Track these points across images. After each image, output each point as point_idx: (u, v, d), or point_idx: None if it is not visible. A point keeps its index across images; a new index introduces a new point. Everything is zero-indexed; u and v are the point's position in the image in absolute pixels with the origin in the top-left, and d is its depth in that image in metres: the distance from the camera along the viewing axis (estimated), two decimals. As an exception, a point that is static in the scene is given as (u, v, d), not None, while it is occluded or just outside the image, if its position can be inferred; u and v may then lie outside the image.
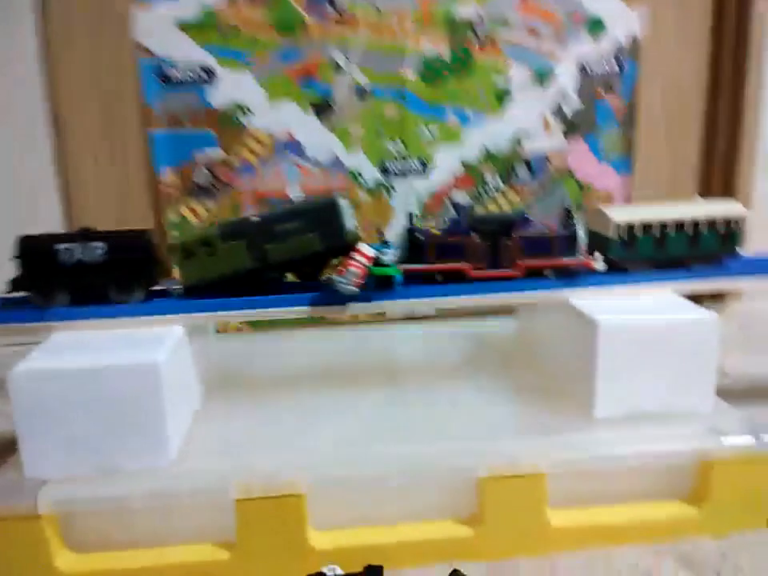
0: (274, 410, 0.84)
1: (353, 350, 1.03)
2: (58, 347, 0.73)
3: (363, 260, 0.77)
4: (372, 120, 1.42)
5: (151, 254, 0.80)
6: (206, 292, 0.79)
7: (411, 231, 0.82)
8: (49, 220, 1.35)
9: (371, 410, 0.83)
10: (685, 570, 0.66)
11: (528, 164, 1.49)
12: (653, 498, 0.72)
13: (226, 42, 1.36)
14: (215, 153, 1.40)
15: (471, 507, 0.71)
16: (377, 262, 0.77)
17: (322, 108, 1.41)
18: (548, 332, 0.91)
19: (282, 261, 0.78)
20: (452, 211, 1.48)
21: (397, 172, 1.45)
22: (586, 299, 0.80)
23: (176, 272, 0.81)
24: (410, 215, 0.84)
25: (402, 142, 1.44)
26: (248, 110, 1.39)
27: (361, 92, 1.41)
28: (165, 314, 0.78)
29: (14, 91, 1.32)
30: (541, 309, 0.88)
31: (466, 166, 1.47)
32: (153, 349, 0.71)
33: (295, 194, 1.43)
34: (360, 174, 1.45)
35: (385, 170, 1.45)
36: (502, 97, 1.44)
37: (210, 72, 1.37)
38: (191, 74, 1.36)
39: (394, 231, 1.47)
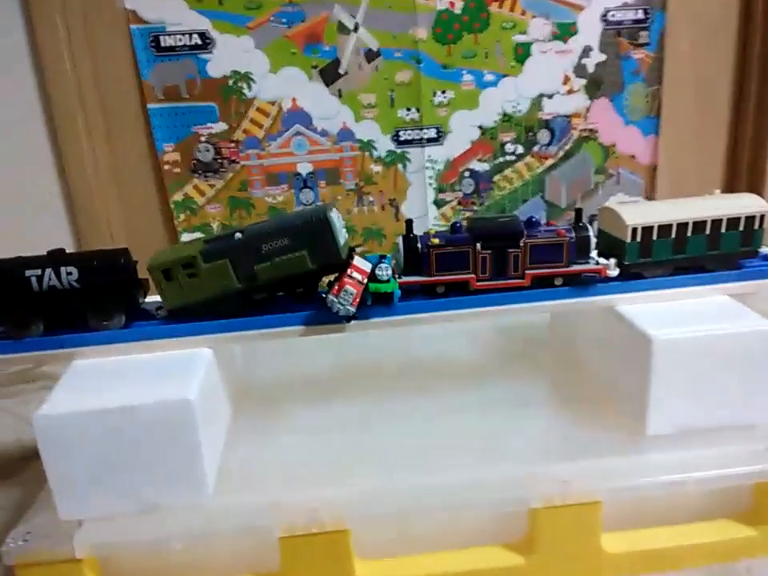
0: (305, 427, 0.81)
1: (376, 350, 0.98)
2: (80, 381, 0.69)
3: (359, 276, 0.71)
4: (383, 85, 1.33)
5: (128, 276, 0.74)
6: (191, 314, 0.74)
7: (409, 240, 0.75)
8: (50, 210, 1.28)
9: (406, 425, 0.79)
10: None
11: (549, 127, 1.41)
12: (708, 518, 0.70)
13: (222, 4, 1.25)
14: (217, 127, 1.32)
15: (521, 533, 0.69)
16: (373, 277, 0.72)
17: (329, 74, 1.32)
18: (591, 339, 0.86)
19: (271, 281, 0.72)
20: (470, 181, 1.42)
21: (411, 141, 1.37)
22: (633, 306, 0.76)
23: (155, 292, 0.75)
24: (409, 222, 0.77)
25: (416, 108, 1.35)
26: (250, 78, 1.30)
27: (370, 55, 1.32)
28: (186, 336, 0.74)
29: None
30: (581, 313, 0.84)
31: (483, 131, 1.39)
32: (183, 381, 0.66)
33: (304, 168, 1.36)
34: (372, 145, 1.37)
35: (398, 140, 1.37)
36: (520, 55, 1.35)
37: (206, 39, 1.27)
38: (186, 42, 1.26)
39: (410, 205, 1.41)
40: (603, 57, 1.37)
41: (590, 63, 1.37)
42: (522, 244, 0.74)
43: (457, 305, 0.76)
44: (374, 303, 0.74)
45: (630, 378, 0.73)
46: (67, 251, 0.75)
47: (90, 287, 0.72)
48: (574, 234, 0.76)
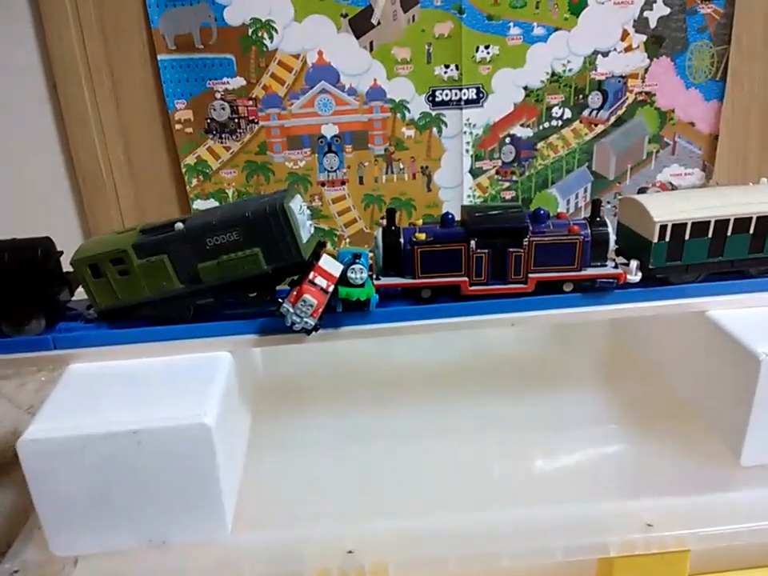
0: (333, 449, 0.70)
1: (396, 346, 0.87)
2: (76, 392, 0.58)
3: (323, 283, 0.59)
4: (420, 38, 1.18)
5: (48, 271, 0.62)
6: (126, 316, 0.63)
7: (390, 234, 0.64)
8: (51, 173, 1.17)
9: (442, 445, 0.68)
10: None
11: (602, 89, 1.26)
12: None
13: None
14: (234, 82, 1.18)
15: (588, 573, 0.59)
16: (345, 279, 0.60)
17: (360, 24, 1.17)
18: (668, 346, 0.75)
19: (217, 283, 0.61)
20: (511, 148, 1.28)
21: (448, 102, 1.23)
22: (729, 312, 0.64)
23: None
24: (390, 212, 0.65)
25: (456, 65, 1.20)
26: (272, 27, 1.16)
27: (406, 3, 1.16)
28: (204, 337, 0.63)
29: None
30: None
31: (529, 92, 1.24)
32: (200, 397, 0.56)
33: (329, 130, 1.23)
34: (404, 105, 1.23)
35: (434, 100, 1.23)
36: (575, 5, 1.19)
37: (223, -19, 1.12)
38: (201, -16, 1.12)
39: (444, 173, 1.28)
40: (667, 10, 1.22)
41: (653, 17, 1.22)
42: (525, 242, 0.63)
43: (445, 312, 0.65)
44: (345, 309, 0.62)
45: (723, 398, 0.63)
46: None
47: (0, 284, 0.60)
48: (589, 231, 0.64)
